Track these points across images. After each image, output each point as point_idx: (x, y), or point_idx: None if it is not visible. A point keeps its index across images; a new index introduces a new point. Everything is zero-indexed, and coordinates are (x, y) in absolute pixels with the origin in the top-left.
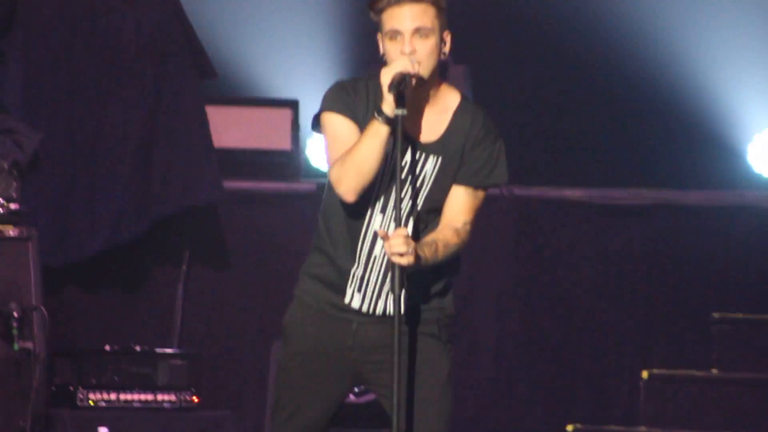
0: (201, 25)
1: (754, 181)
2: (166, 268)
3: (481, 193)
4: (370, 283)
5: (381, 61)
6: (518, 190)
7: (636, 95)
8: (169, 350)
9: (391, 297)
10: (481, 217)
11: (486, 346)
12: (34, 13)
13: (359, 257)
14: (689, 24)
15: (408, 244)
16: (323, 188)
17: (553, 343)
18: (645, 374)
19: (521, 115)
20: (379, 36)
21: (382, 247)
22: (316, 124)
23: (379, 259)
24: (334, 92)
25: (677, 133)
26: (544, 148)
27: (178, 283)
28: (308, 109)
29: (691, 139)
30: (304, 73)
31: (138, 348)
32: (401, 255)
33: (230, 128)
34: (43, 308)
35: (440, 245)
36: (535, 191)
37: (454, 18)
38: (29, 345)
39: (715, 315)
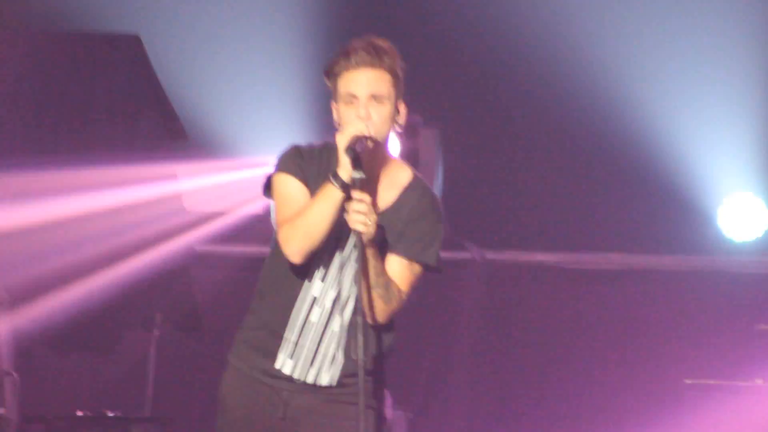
0: (172, 87)
1: (724, 245)
2: (138, 332)
3: (416, 268)
4: (303, 350)
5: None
6: (490, 255)
7: (609, 161)
8: (141, 415)
9: (323, 366)
10: (453, 282)
11: (459, 410)
12: (3, 77)
13: (295, 322)
14: (661, 91)
15: (370, 212)
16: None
17: (525, 408)
18: None
19: (492, 179)
20: (332, 104)
21: (320, 314)
22: (268, 187)
23: (315, 325)
24: (287, 154)
25: (648, 198)
26: (515, 213)
27: (150, 347)
28: None
29: (662, 204)
30: (275, 136)
31: (110, 413)
32: (363, 223)
33: (201, 191)
34: (15, 373)
35: (387, 276)
36: (507, 255)
37: (425, 81)
38: (1, 410)
39: (688, 381)
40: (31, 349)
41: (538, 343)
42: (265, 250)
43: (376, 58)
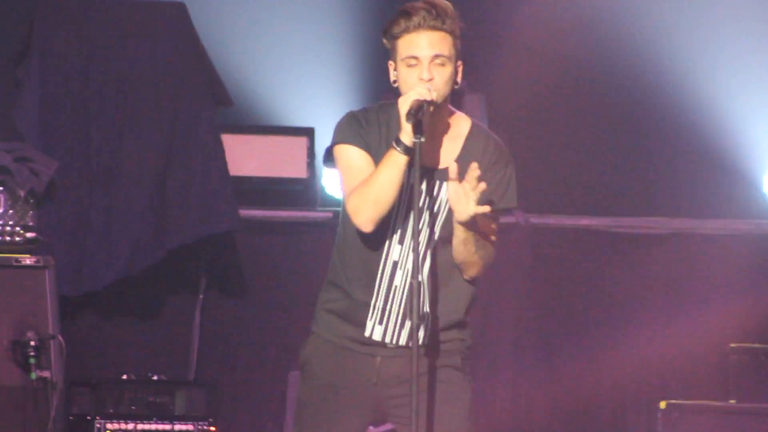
0: (217, 53)
1: None
2: (183, 297)
3: (497, 216)
4: (392, 314)
5: (393, 89)
6: (534, 219)
7: (653, 125)
8: (186, 379)
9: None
10: (497, 246)
11: (503, 375)
12: (49, 42)
13: (379, 289)
14: (706, 55)
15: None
16: (339, 218)
17: (570, 372)
18: (663, 404)
19: (538, 144)
20: (390, 63)
21: (403, 276)
22: (329, 157)
23: (399, 289)
24: (346, 124)
25: (694, 163)
26: (560, 177)
27: (195, 311)
28: (324, 137)
29: (707, 169)
30: (319, 101)
31: (155, 377)
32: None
33: (246, 156)
34: (60, 337)
35: (480, 237)
36: (552, 220)
37: (470, 47)
38: (46, 374)
39: (733, 345)
40: (76, 313)
41: (583, 307)
42: (311, 215)
43: (437, 19)
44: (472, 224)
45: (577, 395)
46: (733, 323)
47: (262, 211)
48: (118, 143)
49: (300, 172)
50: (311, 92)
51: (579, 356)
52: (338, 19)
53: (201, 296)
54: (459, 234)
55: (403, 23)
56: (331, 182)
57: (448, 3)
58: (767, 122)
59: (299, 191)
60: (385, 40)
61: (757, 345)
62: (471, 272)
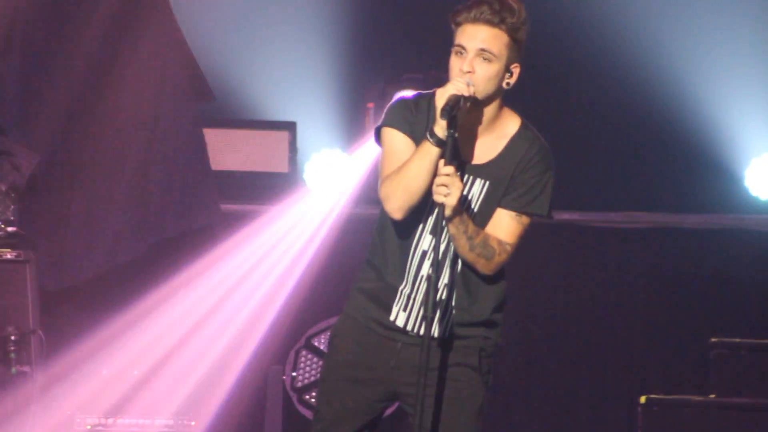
0: (199, 47)
1: (751, 204)
2: (163, 291)
3: (524, 219)
4: (416, 303)
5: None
6: None
7: (636, 121)
8: (167, 375)
9: (438, 318)
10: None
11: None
12: (31, 36)
13: (407, 276)
14: (688, 51)
15: (452, 184)
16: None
17: (549, 367)
18: (643, 399)
19: None
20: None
21: (430, 266)
22: (378, 137)
23: (426, 278)
24: (396, 108)
25: (675, 158)
26: None
27: (175, 305)
28: (305, 132)
29: (689, 164)
30: (301, 96)
31: (136, 372)
32: (444, 195)
33: (228, 151)
34: (40, 332)
35: (483, 235)
36: None
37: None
38: (27, 368)
39: (713, 339)
40: (56, 307)
41: (564, 300)
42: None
43: (496, 16)
44: (455, 220)
45: (557, 389)
46: (715, 317)
47: (243, 205)
48: (100, 137)
49: (281, 166)
50: (293, 87)
51: (558, 351)
52: (320, 14)
53: (181, 291)
54: (450, 229)
55: (465, 13)
56: (311, 176)
57: (519, 5)
58: (749, 117)
59: (280, 185)
60: (452, 26)
61: (737, 339)
62: (477, 268)
